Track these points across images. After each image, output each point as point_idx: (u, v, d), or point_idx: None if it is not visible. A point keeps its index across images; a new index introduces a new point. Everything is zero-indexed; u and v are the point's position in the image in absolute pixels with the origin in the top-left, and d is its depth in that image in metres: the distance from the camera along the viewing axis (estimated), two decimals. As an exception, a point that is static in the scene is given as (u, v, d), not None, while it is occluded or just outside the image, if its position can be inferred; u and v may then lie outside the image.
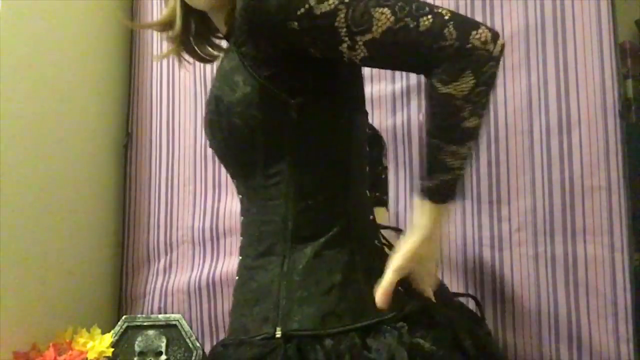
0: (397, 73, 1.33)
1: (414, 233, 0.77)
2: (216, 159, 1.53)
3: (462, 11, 1.30)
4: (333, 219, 0.80)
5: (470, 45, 0.67)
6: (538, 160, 1.21)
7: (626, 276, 1.13)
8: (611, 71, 1.16)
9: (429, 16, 0.68)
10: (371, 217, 0.87)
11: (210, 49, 1.00)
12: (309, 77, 0.79)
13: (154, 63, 1.66)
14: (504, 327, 1.21)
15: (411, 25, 0.68)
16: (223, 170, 1.54)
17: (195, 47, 0.98)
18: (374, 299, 0.75)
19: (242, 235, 0.90)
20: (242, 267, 0.87)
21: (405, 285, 0.79)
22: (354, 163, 0.85)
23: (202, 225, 1.54)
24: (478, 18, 1.27)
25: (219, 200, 1.53)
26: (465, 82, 0.67)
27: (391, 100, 1.33)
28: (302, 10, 0.70)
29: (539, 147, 1.21)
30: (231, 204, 1.51)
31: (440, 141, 0.72)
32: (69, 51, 1.50)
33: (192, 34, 0.96)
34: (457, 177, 0.74)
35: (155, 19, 1.66)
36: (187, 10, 0.91)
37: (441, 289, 0.91)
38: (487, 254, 1.23)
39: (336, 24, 0.69)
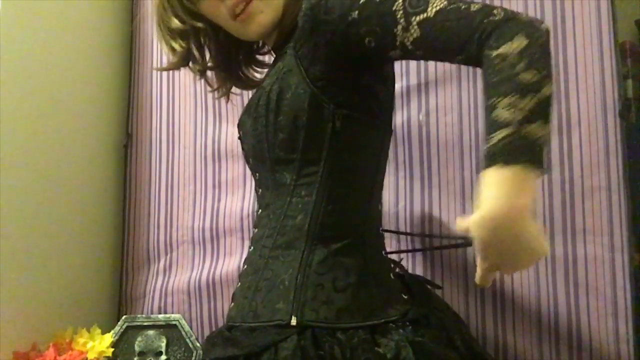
0: (397, 73, 1.33)
1: (477, 214, 0.63)
2: (216, 158, 1.55)
3: (462, 11, 1.30)
4: (353, 226, 0.86)
5: (518, 16, 0.69)
6: (538, 160, 1.21)
7: (626, 276, 1.13)
8: (611, 71, 1.16)
9: (479, 2, 0.73)
10: (380, 229, 0.94)
11: (255, 70, 1.09)
12: (355, 94, 0.85)
13: (154, 63, 1.66)
14: (504, 327, 1.21)
15: (462, 7, 0.72)
16: (223, 170, 1.54)
17: (247, 75, 1.08)
18: (382, 301, 0.82)
19: (256, 227, 0.95)
20: (257, 256, 0.90)
21: (409, 292, 0.87)
22: (378, 178, 0.92)
23: (202, 225, 1.54)
24: (478, 18, 1.28)
25: (219, 200, 1.53)
26: (517, 41, 0.66)
27: (391, 100, 1.33)
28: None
29: (539, 147, 1.21)
30: (231, 204, 1.51)
31: (494, 98, 0.65)
32: (69, 51, 1.50)
33: (242, 63, 1.07)
34: (519, 132, 0.61)
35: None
36: (234, 43, 1.00)
37: (435, 297, 0.98)
38: (487, 254, 1.23)
39: (394, 7, 0.76)
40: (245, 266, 0.94)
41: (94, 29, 1.60)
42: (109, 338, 1.40)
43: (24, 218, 1.34)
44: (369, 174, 0.90)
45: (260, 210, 0.96)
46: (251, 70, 1.09)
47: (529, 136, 0.61)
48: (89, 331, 1.40)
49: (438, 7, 0.73)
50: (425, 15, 0.74)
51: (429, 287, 1.02)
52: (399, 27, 0.76)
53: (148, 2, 1.69)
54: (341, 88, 0.85)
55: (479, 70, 1.25)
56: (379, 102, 0.90)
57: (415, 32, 0.75)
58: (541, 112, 0.63)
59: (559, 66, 1.20)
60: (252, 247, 0.94)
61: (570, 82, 1.19)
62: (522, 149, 0.61)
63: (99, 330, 1.41)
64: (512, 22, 0.68)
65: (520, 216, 0.62)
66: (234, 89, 1.12)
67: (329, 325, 0.78)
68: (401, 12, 0.75)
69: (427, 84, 1.31)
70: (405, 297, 0.86)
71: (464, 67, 1.28)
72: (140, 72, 1.67)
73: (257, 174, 0.97)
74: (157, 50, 1.66)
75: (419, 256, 1.30)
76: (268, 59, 1.09)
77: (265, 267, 0.87)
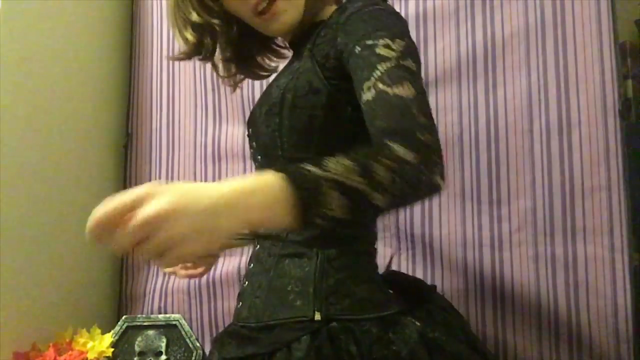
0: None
1: (228, 184, 0.59)
2: (216, 158, 1.55)
3: (462, 11, 1.29)
4: (362, 225, 0.90)
5: (436, 158, 0.69)
6: (538, 160, 1.21)
7: (626, 276, 1.13)
8: (611, 71, 1.16)
9: (431, 121, 0.73)
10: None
11: (270, 58, 1.08)
12: None
13: (154, 63, 1.66)
14: (504, 327, 1.21)
15: (414, 110, 0.71)
16: (223, 170, 1.54)
17: (262, 64, 1.07)
18: (388, 296, 0.85)
19: None
20: (265, 255, 0.91)
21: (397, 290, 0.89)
22: None
23: (202, 225, 1.53)
24: (478, 18, 1.28)
25: (219, 201, 1.53)
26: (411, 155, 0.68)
27: (391, 100, 1.33)
28: (370, 42, 0.78)
29: (539, 147, 1.21)
30: (231, 204, 1.51)
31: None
32: (69, 51, 1.50)
33: (257, 52, 1.06)
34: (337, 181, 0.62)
35: (155, 20, 1.67)
36: (248, 34, 0.99)
37: (437, 296, 1.00)
38: (487, 254, 1.23)
39: (379, 65, 0.76)
40: (252, 265, 0.94)
41: (94, 29, 1.61)
42: (109, 338, 1.40)
43: (24, 218, 1.34)
44: None
45: None
46: (266, 60, 1.09)
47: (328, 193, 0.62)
48: (89, 331, 1.40)
49: (402, 94, 0.73)
50: (390, 90, 0.73)
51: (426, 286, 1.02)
52: (370, 82, 0.75)
53: (148, 2, 1.69)
54: (352, 90, 0.84)
55: (479, 71, 1.27)
56: None
57: (372, 95, 0.75)
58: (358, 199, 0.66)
59: (559, 66, 1.20)
60: (258, 246, 0.94)
61: (570, 82, 1.19)
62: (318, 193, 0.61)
63: (99, 330, 1.41)
64: (437, 159, 0.69)
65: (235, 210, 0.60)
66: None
67: (354, 317, 0.80)
68: (378, 73, 0.75)
69: (427, 84, 1.31)
70: (391, 291, 0.88)
71: (464, 67, 1.28)
72: (140, 71, 1.67)
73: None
74: (158, 51, 1.66)
75: (418, 256, 1.30)
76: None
77: (276, 266, 0.88)
